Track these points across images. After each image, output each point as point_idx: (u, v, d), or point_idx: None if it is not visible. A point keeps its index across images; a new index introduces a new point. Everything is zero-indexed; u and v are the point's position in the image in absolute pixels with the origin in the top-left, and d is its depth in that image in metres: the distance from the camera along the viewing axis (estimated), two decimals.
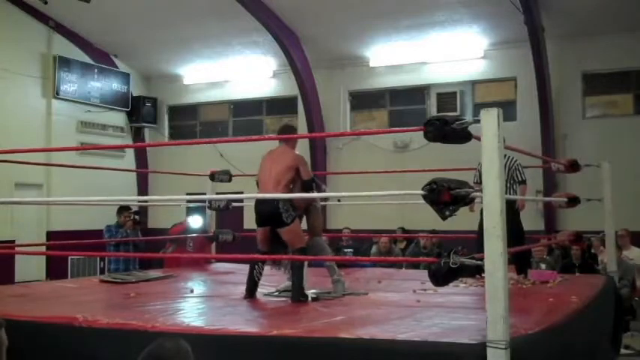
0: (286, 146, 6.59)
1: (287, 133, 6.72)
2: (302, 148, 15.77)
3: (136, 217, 10.07)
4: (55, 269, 13.66)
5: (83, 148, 14.19)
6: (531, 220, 13.14)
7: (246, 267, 6.79)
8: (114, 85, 17.10)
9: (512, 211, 6.93)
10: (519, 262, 7.58)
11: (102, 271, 13.75)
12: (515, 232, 6.83)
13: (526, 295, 6.01)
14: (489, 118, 3.92)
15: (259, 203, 6.26)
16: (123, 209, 9.98)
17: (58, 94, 15.65)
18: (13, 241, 11.94)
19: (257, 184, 6.63)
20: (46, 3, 13.07)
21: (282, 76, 16.62)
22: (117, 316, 5.05)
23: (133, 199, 13.66)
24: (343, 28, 14.79)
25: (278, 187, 6.19)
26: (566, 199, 7.10)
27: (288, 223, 6.16)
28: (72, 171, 13.22)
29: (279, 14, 14.70)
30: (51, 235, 14.49)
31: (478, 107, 13.63)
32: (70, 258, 14.15)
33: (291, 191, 6.27)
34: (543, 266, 9.83)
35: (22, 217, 12.33)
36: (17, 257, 12.80)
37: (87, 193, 13.06)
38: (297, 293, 6.09)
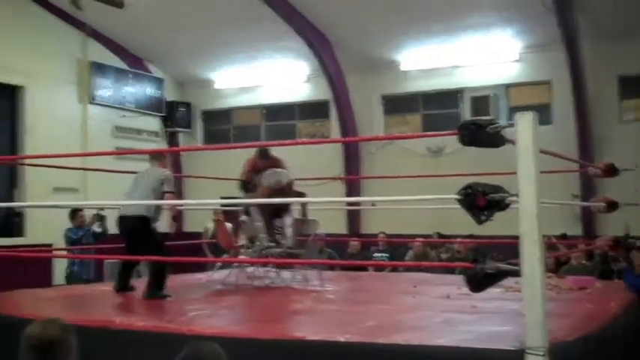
0: None
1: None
2: (335, 153, 15.86)
3: (100, 212, 10.30)
4: (101, 273, 13.76)
5: (118, 152, 14.31)
6: (569, 225, 13.03)
7: None
8: (148, 90, 17.25)
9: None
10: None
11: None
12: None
13: (565, 301, 5.93)
14: (524, 122, 3.89)
15: None
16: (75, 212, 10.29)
17: (93, 99, 15.82)
18: (50, 245, 12.08)
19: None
20: (81, 9, 13.24)
21: (314, 81, 16.64)
22: (153, 319, 5.09)
23: (165, 202, 13.69)
24: (375, 32, 14.77)
25: None
26: (604, 204, 6.99)
27: None
28: (107, 175, 13.33)
29: (311, 19, 14.72)
30: None
31: (513, 111, 13.52)
32: (105, 262, 14.28)
33: None
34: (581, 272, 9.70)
35: (59, 221, 12.42)
36: (55, 261, 12.94)
37: (122, 197, 13.12)
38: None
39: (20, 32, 14.30)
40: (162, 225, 7.12)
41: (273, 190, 7.91)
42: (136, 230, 6.76)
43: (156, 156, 7.32)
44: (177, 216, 6.98)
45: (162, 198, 6.85)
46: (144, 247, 6.68)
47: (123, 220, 6.92)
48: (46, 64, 14.83)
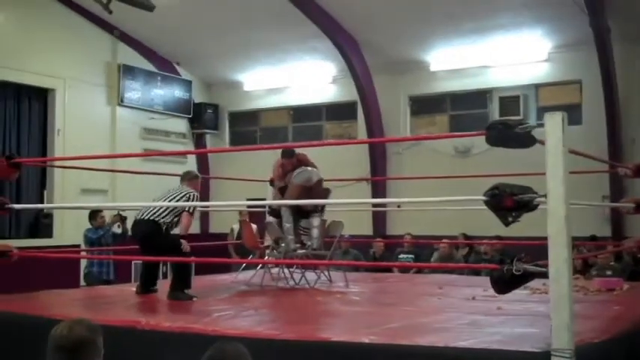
0: None
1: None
2: (362, 154, 15.83)
3: (122, 213, 10.34)
4: (121, 274, 13.87)
5: (145, 154, 14.43)
6: (598, 226, 12.87)
7: None
8: (176, 92, 17.34)
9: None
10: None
11: (164, 276, 13.93)
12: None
13: (592, 303, 5.86)
14: (553, 123, 3.86)
15: None
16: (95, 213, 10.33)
17: (122, 101, 15.94)
18: (78, 246, 12.18)
19: None
20: (111, 13, 13.35)
21: (341, 82, 16.60)
22: (178, 320, 5.10)
23: (192, 204, 13.75)
24: (403, 32, 14.69)
25: None
26: (633, 205, 6.91)
27: None
28: (135, 177, 13.45)
29: (339, 20, 14.69)
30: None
31: (542, 111, 13.37)
32: (133, 263, 14.39)
33: None
34: (609, 273, 9.62)
35: (87, 222, 12.57)
36: (82, 262, 13.05)
37: (150, 199, 13.23)
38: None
39: (50, 35, 14.48)
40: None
41: (304, 188, 7.86)
42: (147, 236, 6.83)
43: (185, 177, 7.42)
44: (185, 235, 7.06)
45: (179, 215, 6.96)
46: (158, 251, 6.75)
47: (136, 224, 7.01)
48: (76, 67, 14.99)
